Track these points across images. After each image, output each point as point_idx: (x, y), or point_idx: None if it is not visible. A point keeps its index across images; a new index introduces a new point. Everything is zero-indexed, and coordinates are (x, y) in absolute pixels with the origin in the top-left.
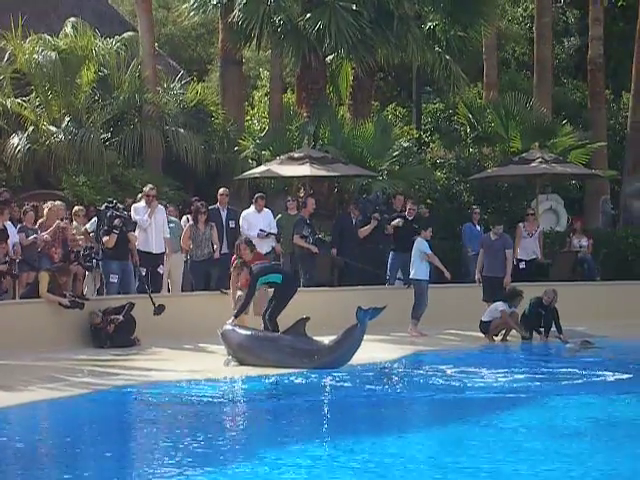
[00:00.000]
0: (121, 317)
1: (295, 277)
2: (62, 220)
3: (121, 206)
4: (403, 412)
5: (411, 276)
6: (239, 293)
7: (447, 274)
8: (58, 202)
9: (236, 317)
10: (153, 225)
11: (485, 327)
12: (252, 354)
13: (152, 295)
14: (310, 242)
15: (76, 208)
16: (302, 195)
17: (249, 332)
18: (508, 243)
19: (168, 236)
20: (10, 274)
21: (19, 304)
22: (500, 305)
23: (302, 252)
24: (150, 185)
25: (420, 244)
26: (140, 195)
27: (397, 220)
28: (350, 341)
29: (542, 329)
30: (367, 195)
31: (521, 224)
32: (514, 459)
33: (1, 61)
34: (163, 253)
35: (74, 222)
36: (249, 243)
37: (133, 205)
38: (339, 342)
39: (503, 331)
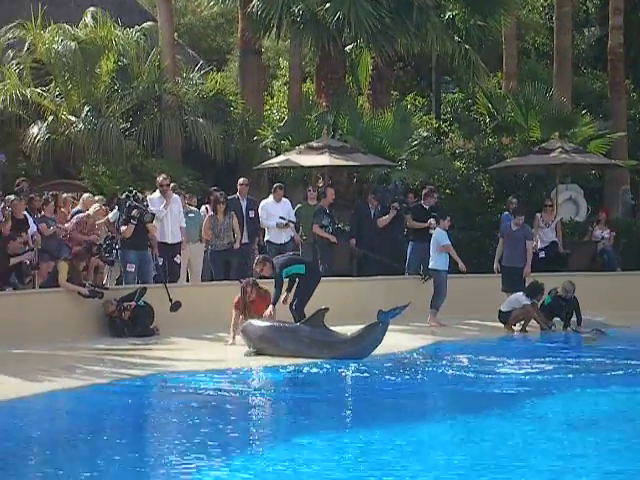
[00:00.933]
0: (134, 303)
1: (317, 267)
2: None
3: (141, 196)
4: (424, 402)
5: (430, 266)
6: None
7: (462, 266)
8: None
9: (274, 305)
10: (169, 215)
11: (504, 317)
12: (272, 344)
13: (169, 285)
14: (329, 232)
15: (97, 198)
16: (321, 185)
17: (269, 323)
18: (529, 234)
19: (184, 225)
20: (31, 265)
21: (39, 294)
22: (523, 298)
23: (321, 242)
24: (163, 175)
25: (438, 234)
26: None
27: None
28: (372, 336)
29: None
30: (386, 185)
31: (538, 214)
32: (545, 451)
33: (21, 51)
34: (179, 243)
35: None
36: (255, 284)
37: (148, 196)
38: (360, 335)
39: (522, 322)
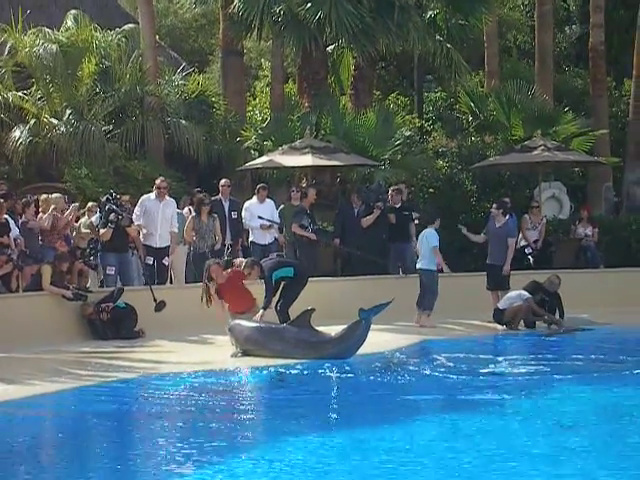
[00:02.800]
0: (111, 304)
1: (306, 269)
2: (62, 212)
3: (119, 197)
4: (410, 402)
5: (419, 266)
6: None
7: (445, 268)
8: (55, 195)
9: (265, 309)
10: (160, 218)
11: (499, 315)
12: (258, 345)
13: (157, 287)
14: (309, 231)
15: (90, 204)
16: (304, 185)
17: (255, 324)
18: (512, 231)
19: (177, 230)
20: (14, 265)
21: (22, 297)
22: (525, 294)
23: (301, 241)
24: (161, 177)
25: (429, 235)
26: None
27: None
28: (355, 336)
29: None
30: (369, 184)
31: (526, 216)
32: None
33: (2, 54)
34: (168, 247)
35: (86, 216)
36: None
37: (142, 197)
38: (343, 335)
39: (513, 319)
